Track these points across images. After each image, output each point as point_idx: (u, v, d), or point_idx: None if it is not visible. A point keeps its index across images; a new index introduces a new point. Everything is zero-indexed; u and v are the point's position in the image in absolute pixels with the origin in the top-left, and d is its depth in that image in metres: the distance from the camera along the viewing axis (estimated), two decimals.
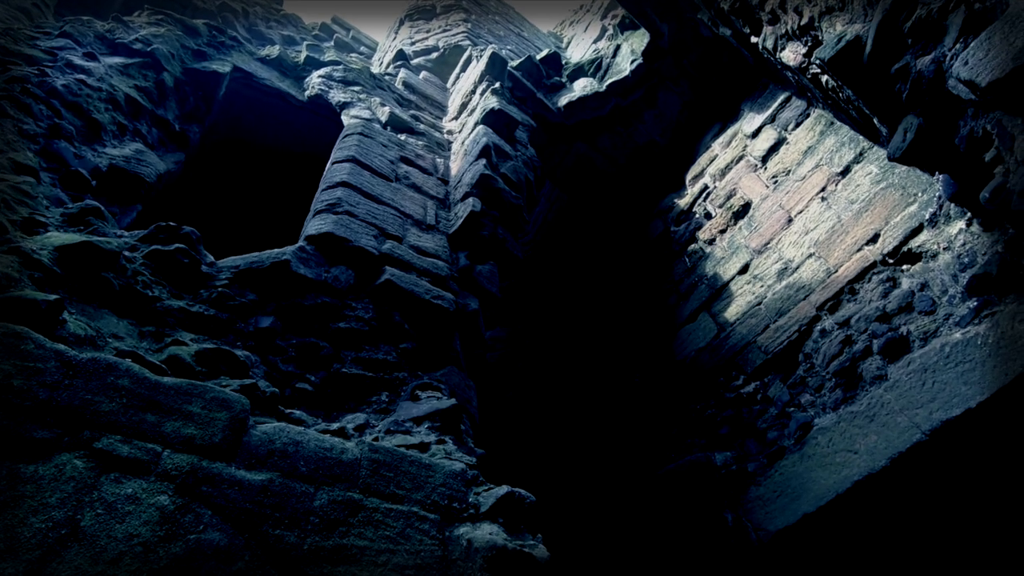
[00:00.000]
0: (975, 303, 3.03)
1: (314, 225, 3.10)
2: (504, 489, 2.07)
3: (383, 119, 4.54)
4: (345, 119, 4.43)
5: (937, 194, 3.41)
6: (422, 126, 4.72)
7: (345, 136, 4.05)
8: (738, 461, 3.99)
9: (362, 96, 4.72)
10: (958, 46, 2.32)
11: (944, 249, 3.30)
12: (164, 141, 4.07)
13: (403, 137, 4.43)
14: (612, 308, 5.86)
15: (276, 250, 2.87)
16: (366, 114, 4.46)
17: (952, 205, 3.29)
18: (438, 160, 4.41)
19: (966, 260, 3.16)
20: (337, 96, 4.64)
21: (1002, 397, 2.75)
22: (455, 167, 4.28)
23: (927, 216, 3.43)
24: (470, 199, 3.73)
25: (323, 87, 4.65)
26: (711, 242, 5.06)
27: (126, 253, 2.48)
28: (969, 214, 3.18)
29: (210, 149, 4.91)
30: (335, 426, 2.27)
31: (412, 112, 4.91)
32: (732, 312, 4.51)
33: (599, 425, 5.23)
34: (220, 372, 2.31)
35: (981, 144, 2.49)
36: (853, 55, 2.80)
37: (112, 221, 2.86)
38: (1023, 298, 2.81)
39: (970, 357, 2.92)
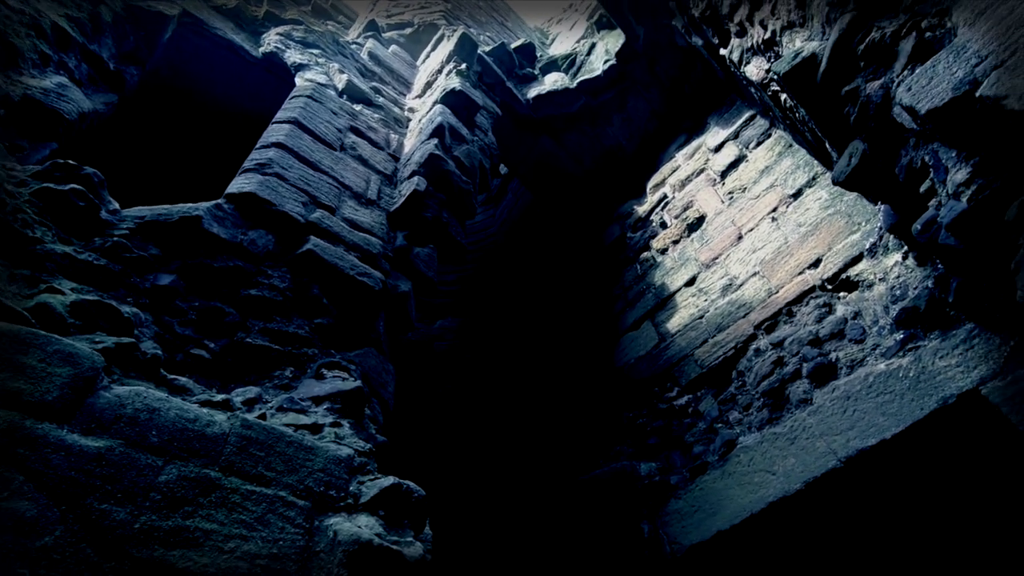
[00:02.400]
0: (902, 336, 3.04)
1: (237, 183, 2.90)
2: (389, 480, 1.94)
3: (339, 86, 4.34)
4: (298, 80, 4.22)
5: (879, 225, 3.42)
6: (381, 99, 4.53)
7: (293, 97, 3.84)
8: (662, 473, 3.95)
9: (320, 60, 4.50)
10: (905, 72, 2.29)
11: (880, 280, 3.31)
12: (95, 79, 3.78)
13: (358, 107, 4.24)
14: (564, 309, 5.78)
15: (188, 204, 2.67)
16: (321, 79, 4.26)
17: (891, 237, 3.30)
18: (392, 136, 4.23)
19: (898, 293, 3.17)
20: (293, 57, 4.41)
21: (916, 431, 2.76)
22: (408, 145, 4.12)
23: (867, 246, 3.44)
24: (416, 178, 3.57)
25: (279, 45, 4.42)
26: (663, 252, 5.02)
27: (8, 187, 2.25)
28: (906, 247, 3.19)
29: (149, 95, 4.62)
30: (219, 397, 2.10)
31: (373, 84, 4.72)
32: (674, 323, 4.48)
33: (534, 425, 5.14)
34: (97, 327, 2.10)
35: (919, 175, 2.47)
36: (808, 72, 2.76)
37: (7, 155, 2.61)
38: (946, 335, 2.82)
39: (891, 389, 2.92)
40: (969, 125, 1.99)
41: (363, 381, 2.66)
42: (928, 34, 2.26)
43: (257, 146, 3.31)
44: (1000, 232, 2.00)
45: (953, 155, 2.13)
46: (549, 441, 4.90)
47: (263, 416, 2.10)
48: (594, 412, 4.71)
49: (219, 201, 2.82)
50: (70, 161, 2.50)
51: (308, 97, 3.80)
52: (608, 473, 4.01)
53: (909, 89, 2.17)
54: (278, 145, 3.24)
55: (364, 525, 1.75)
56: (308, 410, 2.31)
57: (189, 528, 1.46)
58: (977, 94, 1.91)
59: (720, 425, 3.72)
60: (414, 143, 4.14)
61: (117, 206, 2.64)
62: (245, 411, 2.14)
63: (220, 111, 4.82)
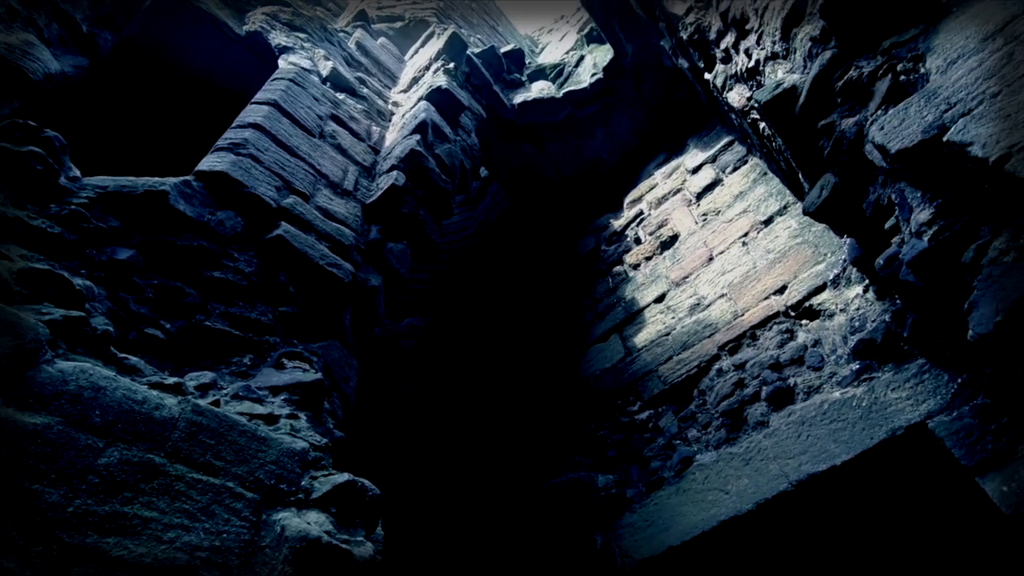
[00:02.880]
0: (857, 366, 3.13)
1: (209, 161, 2.81)
2: (344, 477, 1.89)
3: (324, 73, 4.27)
4: (282, 63, 4.12)
5: (843, 257, 3.53)
6: (365, 90, 4.47)
7: (274, 79, 3.75)
8: (619, 485, 3.97)
9: (306, 45, 4.42)
10: (879, 112, 2.37)
11: (840, 311, 3.41)
12: (65, 41, 3.62)
13: (341, 96, 4.17)
14: (534, 316, 5.78)
15: (155, 179, 2.57)
16: (306, 64, 4.17)
17: (854, 270, 3.41)
18: (374, 128, 4.17)
19: (857, 324, 3.27)
20: (278, 39, 4.31)
21: (865, 459, 2.84)
22: (389, 139, 4.07)
23: (831, 277, 3.54)
24: (395, 172, 3.53)
25: (264, 25, 4.32)
26: (636, 267, 5.07)
27: None
28: (867, 281, 3.30)
29: (123, 63, 4.45)
30: (171, 381, 2.01)
31: (359, 75, 4.65)
32: (641, 338, 4.52)
33: (497, 429, 5.11)
34: (45, 298, 2.00)
35: (885, 212, 2.56)
36: (787, 103, 2.83)
37: None
38: (899, 368, 2.92)
39: (844, 417, 3.01)
40: (935, 168, 2.07)
41: (324, 374, 2.60)
42: (903, 77, 2.34)
43: (233, 125, 3.22)
44: (957, 273, 2.08)
45: (918, 195, 2.21)
46: (512, 447, 4.88)
47: (216, 403, 2.02)
48: (557, 421, 4.72)
49: (188, 178, 2.73)
50: (30, 122, 2.38)
51: (290, 81, 3.72)
52: (566, 483, 4.01)
53: (882, 128, 2.24)
54: (255, 126, 3.15)
55: (314, 522, 1.70)
56: (265, 400, 2.24)
57: (127, 515, 1.39)
58: (944, 139, 1.98)
59: (679, 442, 3.76)
60: (396, 137, 4.09)
61: (78, 173, 2.52)
62: (198, 396, 2.06)
63: (196, 87, 4.68)
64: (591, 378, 4.69)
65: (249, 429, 1.86)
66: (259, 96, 3.55)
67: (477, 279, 6.79)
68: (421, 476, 4.89)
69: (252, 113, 3.28)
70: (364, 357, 5.57)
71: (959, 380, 2.59)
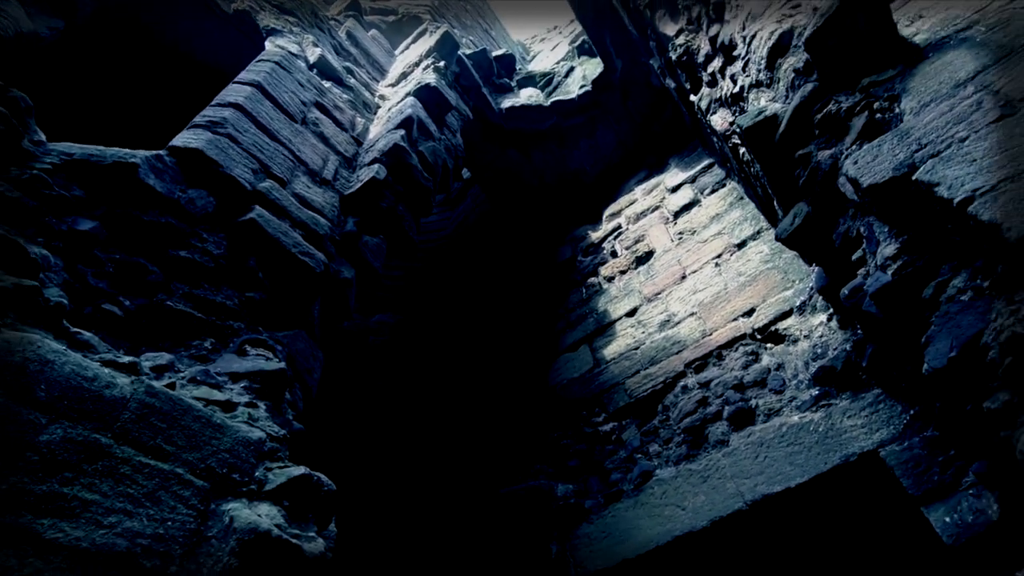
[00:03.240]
0: (817, 392, 3.21)
1: (184, 137, 2.73)
2: (300, 470, 1.84)
3: (311, 59, 4.20)
4: (268, 45, 4.05)
5: (811, 285, 3.62)
6: (352, 80, 4.42)
7: (260, 60, 3.67)
8: (578, 495, 3.98)
9: (295, 29, 4.35)
10: (854, 147, 2.44)
11: (804, 337, 3.49)
12: (41, 0, 3.48)
13: (327, 84, 4.11)
14: (506, 321, 5.77)
15: (126, 150, 2.48)
16: (293, 48, 4.10)
17: (820, 298, 3.50)
18: (359, 119, 4.12)
19: (819, 351, 3.36)
20: (267, 20, 4.24)
21: (818, 482, 2.90)
22: (374, 131, 4.02)
23: (798, 303, 3.63)
24: (376, 165, 3.49)
25: (254, 4, 4.23)
26: (610, 280, 5.12)
27: None
28: (831, 309, 3.39)
29: (103, 30, 4.30)
30: (126, 359, 1.93)
31: (347, 64, 4.59)
32: (611, 350, 4.56)
33: (462, 431, 5.07)
34: None
35: (853, 244, 2.63)
36: (768, 131, 2.90)
37: None
38: (856, 397, 3.01)
39: (801, 440, 3.08)
40: (903, 204, 2.14)
41: (288, 364, 2.54)
42: (879, 115, 2.42)
43: (213, 103, 3.14)
44: (916, 308, 2.15)
45: (886, 230, 2.29)
46: (476, 450, 4.85)
47: (172, 385, 1.95)
48: (523, 426, 4.71)
49: (160, 152, 2.64)
50: None
51: (276, 64, 3.65)
52: (525, 490, 4.00)
53: (855, 163, 2.31)
54: (236, 106, 3.08)
55: (264, 514, 1.65)
56: (223, 386, 2.18)
57: (66, 496, 1.32)
58: (914, 177, 2.05)
59: (640, 456, 3.79)
60: (380, 130, 4.05)
61: (43, 138, 2.42)
62: (153, 378, 1.98)
63: (177, 60, 4.55)
64: (559, 386, 4.70)
65: (204, 415, 1.79)
66: (242, 76, 3.47)
67: (452, 280, 6.75)
68: (382, 475, 4.82)
69: (234, 93, 3.20)
70: (331, 350, 5.47)
71: (912, 412, 2.68)
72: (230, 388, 2.20)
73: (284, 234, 2.83)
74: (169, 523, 1.49)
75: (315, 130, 3.64)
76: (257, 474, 1.80)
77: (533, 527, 3.87)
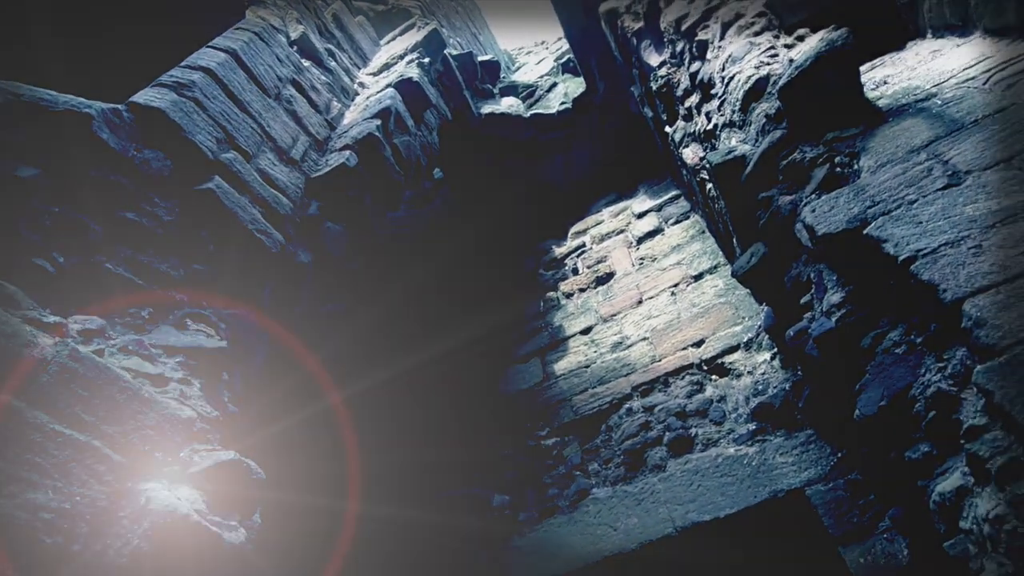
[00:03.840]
0: (754, 427, 3.31)
1: (146, 95, 2.60)
2: (229, 455, 1.75)
3: (292, 36, 4.09)
4: (249, 15, 3.92)
5: (759, 323, 3.75)
6: (333, 63, 4.32)
7: (238, 28, 3.55)
8: (513, 507, 3.96)
9: (280, 3, 4.23)
10: (813, 196, 2.56)
11: (748, 372, 3.61)
12: None
13: (306, 63, 4.01)
14: (463, 325, 5.73)
15: (80, 99, 2.34)
16: (275, 21, 3.98)
17: (766, 337, 3.63)
18: (335, 103, 4.03)
19: (760, 388, 3.47)
20: None
21: (746, 514, 2.99)
22: (349, 117, 3.94)
23: (745, 339, 3.75)
24: (348, 152, 3.41)
25: None
26: (569, 296, 5.16)
27: None
28: (776, 349, 3.52)
29: None
30: (52, 319, 1.81)
31: (329, 46, 4.50)
32: (562, 366, 4.58)
33: (407, 431, 4.98)
34: None
35: (803, 288, 2.75)
36: (735, 170, 3.00)
37: None
38: (790, 435, 3.12)
39: (734, 472, 3.16)
40: (853, 256, 2.25)
41: (231, 343, 2.43)
42: (839, 169, 2.55)
43: (182, 64, 3.01)
44: (855, 356, 2.25)
45: (834, 278, 2.39)
46: (419, 451, 4.76)
47: (100, 352, 1.83)
48: (469, 432, 4.66)
49: (119, 107, 2.50)
50: None
51: (255, 34, 3.54)
52: (461, 496, 3.95)
53: (813, 211, 2.42)
54: (207, 71, 2.96)
55: (185, 498, 1.56)
56: (157, 359, 2.06)
57: None
58: (865, 232, 2.16)
59: (579, 473, 3.81)
60: (355, 117, 3.97)
61: None
62: (80, 342, 1.86)
63: (148, 14, 4.34)
64: (508, 396, 4.68)
65: (132, 387, 1.69)
66: (217, 42, 3.34)
67: (414, 277, 6.67)
68: (319, 469, 4.67)
69: (206, 57, 3.08)
70: (279, 334, 5.28)
71: (839, 455, 2.79)
72: (164, 362, 2.09)
73: (242, 209, 2.73)
74: (78, 499, 1.38)
75: (288, 108, 3.53)
76: (182, 455, 1.70)
77: (467, 536, 3.83)
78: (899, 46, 3.24)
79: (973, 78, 2.46)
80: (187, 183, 2.62)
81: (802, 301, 2.70)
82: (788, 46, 3.21)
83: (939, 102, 2.47)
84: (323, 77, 4.15)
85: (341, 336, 5.52)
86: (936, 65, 2.78)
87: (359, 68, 4.93)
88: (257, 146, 3.07)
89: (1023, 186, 1.87)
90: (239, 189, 2.76)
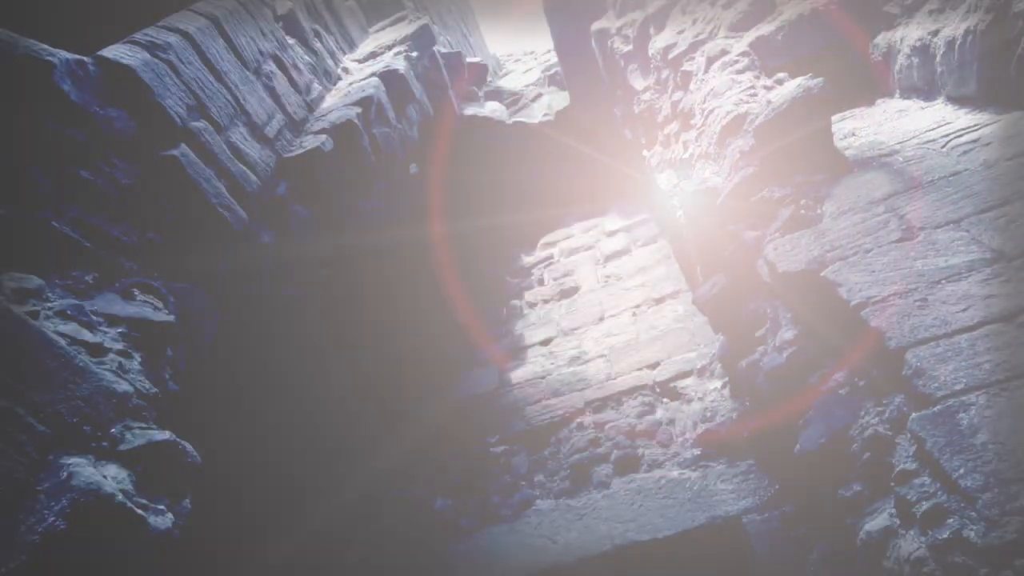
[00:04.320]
0: (699, 452, 3.38)
1: (117, 51, 2.48)
2: (164, 435, 1.67)
3: (279, 11, 3.99)
4: None
5: (714, 351, 3.84)
6: (318, 45, 4.23)
7: None
8: (456, 512, 3.92)
9: None
10: (777, 234, 2.64)
11: (698, 398, 3.69)
12: None
13: (291, 41, 3.91)
14: (424, 324, 5.66)
15: (45, 45, 2.21)
16: None
17: (719, 365, 3.72)
18: (316, 85, 3.95)
19: (709, 414, 3.55)
20: None
21: (684, 537, 3.04)
22: (329, 101, 3.86)
23: (699, 366, 3.84)
24: (324, 136, 3.34)
25: None
26: (532, 305, 5.17)
27: None
28: (727, 378, 3.61)
29: None
30: None
31: (316, 27, 4.41)
32: (518, 375, 4.58)
33: (361, 429, 4.87)
34: None
35: (758, 322, 2.83)
36: (707, 200, 3.08)
37: None
38: (732, 463, 3.20)
39: (676, 495, 3.22)
40: (808, 296, 2.33)
41: (179, 318, 2.33)
42: (803, 211, 2.64)
43: (158, 24, 2.88)
44: (801, 392, 2.33)
45: (789, 316, 2.48)
46: (372, 449, 4.66)
47: (35, 314, 1.72)
48: (419, 433, 4.60)
49: (85, 59, 2.38)
50: None
51: (240, 3, 3.43)
52: (406, 497, 3.89)
53: (776, 249, 2.50)
54: (184, 34, 2.84)
55: (112, 476, 1.48)
56: (97, 327, 1.95)
57: None
58: (822, 274, 2.24)
59: (524, 483, 3.80)
60: (336, 102, 3.89)
61: None
62: (12, 300, 1.74)
63: None
64: (461, 400, 4.65)
65: (66, 354, 1.59)
66: (198, 6, 3.22)
67: (379, 270, 6.56)
68: (270, 456, 4.51)
69: (185, 20, 2.96)
70: (230, 313, 5.09)
71: (776, 487, 2.88)
72: (104, 331, 1.98)
73: (207, 181, 2.63)
74: None
75: (267, 84, 3.44)
76: (114, 431, 1.61)
77: (410, 536, 3.77)
78: (869, 102, 3.40)
79: (933, 140, 2.60)
80: (151, 148, 2.50)
81: (756, 334, 2.79)
82: (767, 87, 3.32)
83: (901, 159, 2.60)
84: (307, 57, 4.06)
85: (298, 316, 5.37)
86: (901, 124, 2.93)
87: (345, 53, 4.84)
88: (230, 118, 2.97)
89: (968, 247, 1.98)
90: (206, 160, 2.66)
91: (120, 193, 2.37)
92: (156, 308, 2.18)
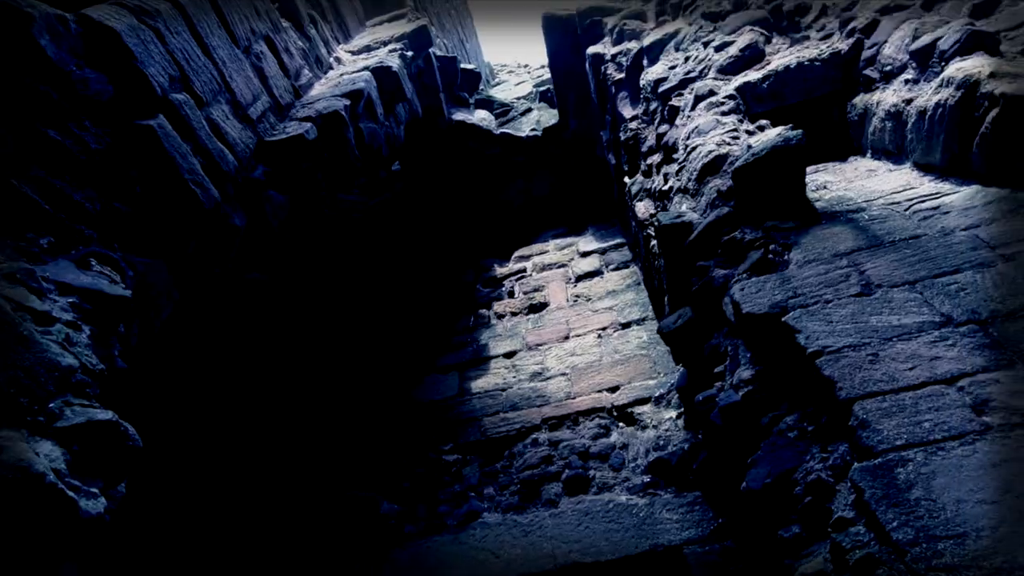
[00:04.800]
0: (648, 479, 3.43)
1: (102, 11, 2.39)
2: (106, 414, 1.60)
3: None
4: None
5: (673, 381, 3.92)
6: (313, 31, 4.18)
7: None
8: (401, 518, 3.86)
9: None
10: (744, 275, 2.72)
11: (653, 426, 3.75)
12: None
13: (285, 24, 3.85)
14: (391, 321, 5.59)
15: None
16: None
17: (676, 396, 3.79)
18: (306, 72, 3.89)
19: (661, 443, 3.61)
20: None
21: (627, 563, 3.07)
22: (317, 89, 3.81)
23: (657, 394, 3.90)
24: (309, 124, 3.29)
25: None
26: (500, 317, 5.18)
27: None
28: (683, 409, 3.68)
29: None
30: None
31: (313, 12, 4.35)
32: (478, 384, 4.57)
33: (314, 427, 4.75)
34: None
35: (719, 358, 2.90)
36: (681, 234, 3.15)
37: None
38: (679, 494, 3.25)
39: (622, 520, 3.25)
40: (768, 339, 2.40)
41: (136, 293, 2.25)
42: (771, 256, 2.73)
43: None
44: (752, 431, 2.39)
45: (748, 356, 2.54)
46: (322, 448, 4.55)
47: None
48: (375, 433, 4.52)
49: (67, 15, 2.29)
50: None
51: None
52: (352, 499, 3.81)
53: (742, 290, 2.57)
54: (175, 3, 2.77)
55: (44, 454, 1.41)
56: (47, 295, 1.87)
57: None
58: (783, 319, 2.32)
59: (473, 495, 3.78)
60: (324, 91, 3.85)
61: None
62: None
63: None
64: (420, 404, 4.60)
65: (9, 319, 1.52)
66: None
67: (349, 263, 6.46)
68: (213, 446, 4.35)
69: None
70: (191, 292, 4.92)
71: (720, 521, 2.94)
72: (54, 300, 1.89)
73: (182, 156, 2.55)
74: None
75: (256, 64, 3.37)
76: (52, 406, 1.54)
77: (354, 540, 3.69)
78: (842, 158, 3.55)
79: (898, 203, 2.73)
80: (127, 115, 2.42)
81: (716, 370, 2.85)
82: (749, 132, 3.43)
83: (867, 217, 2.72)
84: (300, 43, 4.01)
85: (260, 302, 5.24)
86: (869, 183, 3.06)
87: (339, 43, 4.80)
88: (213, 94, 2.90)
89: (920, 309, 2.08)
90: (183, 134, 2.59)
91: (88, 158, 2.28)
92: (112, 281, 2.10)
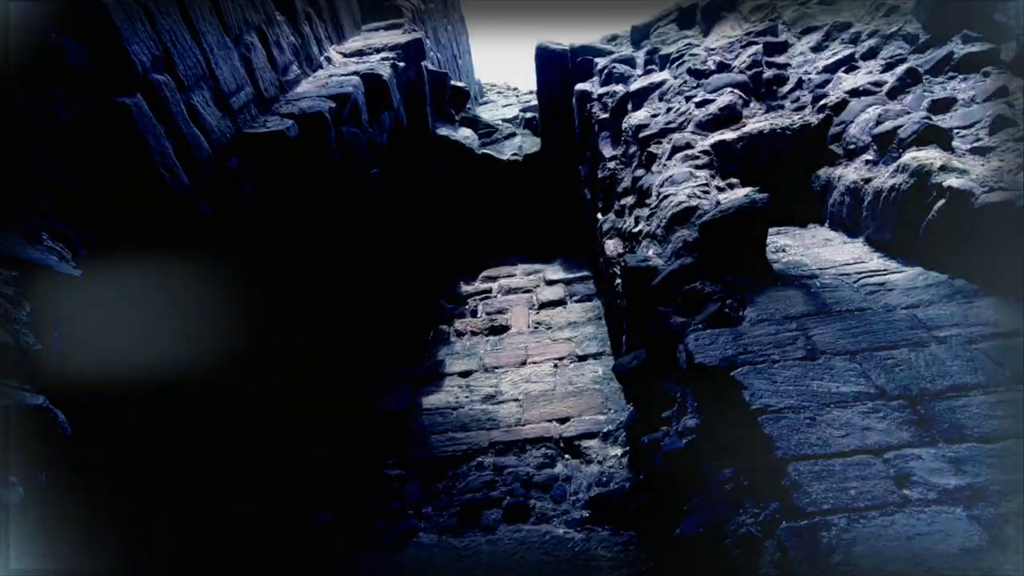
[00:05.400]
0: (587, 514, 3.45)
1: None
2: (36, 399, 1.52)
3: None
4: None
5: (622, 419, 3.98)
6: (307, 29, 4.17)
7: None
8: (334, 531, 3.76)
9: None
10: (700, 326, 2.82)
11: (598, 461, 3.79)
12: None
13: (280, 18, 3.83)
14: (354, 326, 5.49)
15: None
16: None
17: (624, 434, 3.85)
18: (295, 68, 3.86)
19: (604, 479, 3.65)
20: None
21: None
22: (304, 87, 3.79)
23: (605, 431, 3.96)
24: (291, 121, 3.26)
25: None
26: (460, 335, 5.17)
27: None
28: (629, 448, 3.74)
29: None
30: None
31: (309, 10, 4.34)
32: (430, 400, 4.53)
33: (275, 433, 4.59)
34: None
35: (668, 403, 2.97)
36: (645, 278, 3.24)
37: None
38: (616, 533, 3.29)
39: (557, 553, 3.25)
40: (715, 390, 2.48)
41: (86, 275, 2.15)
42: (727, 310, 2.84)
43: None
44: (692, 479, 2.45)
45: (695, 405, 2.62)
46: (266, 452, 4.40)
47: None
48: (321, 441, 4.40)
49: None
50: None
51: None
52: (286, 507, 3.69)
53: (696, 340, 2.66)
54: None
55: None
56: None
57: None
58: (731, 373, 2.40)
59: (412, 513, 3.73)
60: (311, 90, 3.82)
61: None
62: None
63: None
64: (370, 414, 4.53)
65: None
66: None
67: (315, 264, 6.34)
68: (147, 440, 4.14)
69: None
70: (145, 278, 4.72)
71: (651, 563, 2.98)
72: None
73: (155, 138, 2.49)
74: None
75: (244, 54, 3.33)
76: None
77: (276, 550, 3.57)
78: (803, 224, 3.74)
79: (848, 274, 2.89)
80: (104, 90, 2.35)
81: (663, 414, 2.92)
82: (720, 188, 3.58)
83: (819, 284, 2.86)
84: (292, 38, 3.98)
85: (219, 288, 5.07)
86: (824, 252, 3.23)
87: (332, 43, 4.79)
88: (196, 80, 2.85)
89: (858, 379, 2.19)
90: (160, 117, 2.53)
91: (57, 129, 2.20)
92: (63, 259, 2.02)
